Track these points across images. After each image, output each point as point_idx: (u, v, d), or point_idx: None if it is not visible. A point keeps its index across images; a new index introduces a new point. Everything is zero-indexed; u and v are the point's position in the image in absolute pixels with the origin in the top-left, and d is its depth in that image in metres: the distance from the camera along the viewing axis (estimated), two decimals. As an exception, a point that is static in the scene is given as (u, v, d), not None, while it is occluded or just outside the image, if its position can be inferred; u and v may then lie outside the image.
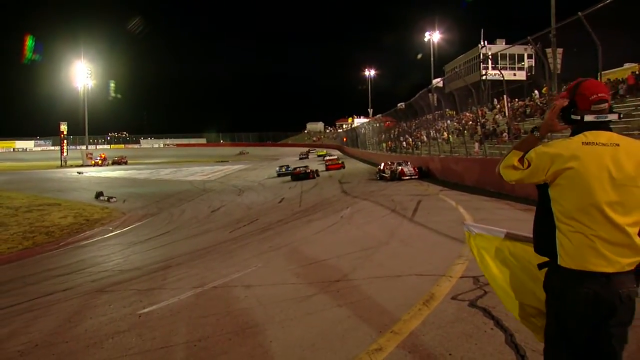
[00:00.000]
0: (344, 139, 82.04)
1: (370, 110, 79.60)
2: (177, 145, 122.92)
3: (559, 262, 2.20)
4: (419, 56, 60.33)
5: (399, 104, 38.80)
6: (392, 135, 41.52)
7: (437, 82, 33.26)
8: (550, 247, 2.23)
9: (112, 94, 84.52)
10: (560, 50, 20.69)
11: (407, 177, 23.07)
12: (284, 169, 38.28)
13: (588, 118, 2.24)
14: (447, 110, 29.33)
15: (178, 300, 5.88)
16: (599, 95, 2.23)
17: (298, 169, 33.57)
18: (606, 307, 2.11)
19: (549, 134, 2.37)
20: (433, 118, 27.89)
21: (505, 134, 20.80)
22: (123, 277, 8.71)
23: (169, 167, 60.87)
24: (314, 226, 11.73)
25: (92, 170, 55.51)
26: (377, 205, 14.44)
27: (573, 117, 2.28)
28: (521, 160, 2.31)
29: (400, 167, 23.83)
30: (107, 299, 6.57)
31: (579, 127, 2.26)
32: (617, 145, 2.16)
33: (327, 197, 20.02)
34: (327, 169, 38.70)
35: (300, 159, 62.68)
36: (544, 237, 2.26)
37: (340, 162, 41.51)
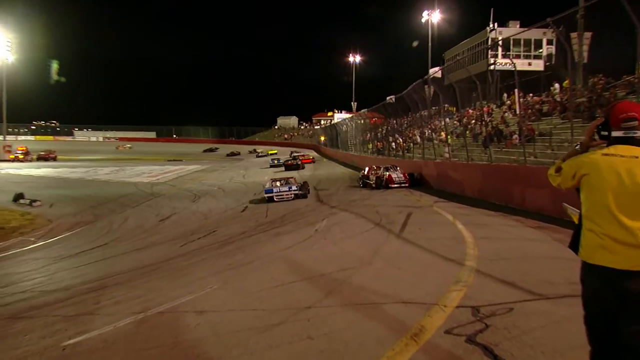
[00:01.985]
0: (322, 138, 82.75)
1: (354, 104, 79.84)
2: (120, 139, 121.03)
3: (578, 255, 2.97)
4: (415, 44, 61.14)
5: (388, 98, 39.15)
6: (379, 134, 41.91)
7: (435, 72, 33.36)
8: (575, 242, 3.01)
9: (54, 76, 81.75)
10: (587, 34, 20.35)
11: (395, 185, 23.39)
12: (275, 162, 51.57)
13: (616, 134, 2.96)
14: (446, 106, 29.74)
15: (114, 329, 5.80)
16: (629, 114, 2.93)
17: (290, 160, 43.68)
18: (615, 301, 2.75)
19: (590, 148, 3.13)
20: (429, 115, 28.15)
21: (515, 136, 20.62)
22: (46, 299, 8.60)
23: (109, 165, 60.22)
24: (282, 241, 11.82)
25: (10, 167, 54.14)
26: (358, 217, 14.65)
27: (602, 133, 3.03)
28: (558, 169, 3.15)
29: (387, 173, 24.14)
30: (23, 328, 6.42)
31: (609, 142, 2.99)
32: (636, 157, 2.84)
33: (299, 206, 20.18)
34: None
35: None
36: (575, 233, 3.02)
37: (310, 157, 49.82)
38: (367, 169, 27.05)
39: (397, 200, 18.63)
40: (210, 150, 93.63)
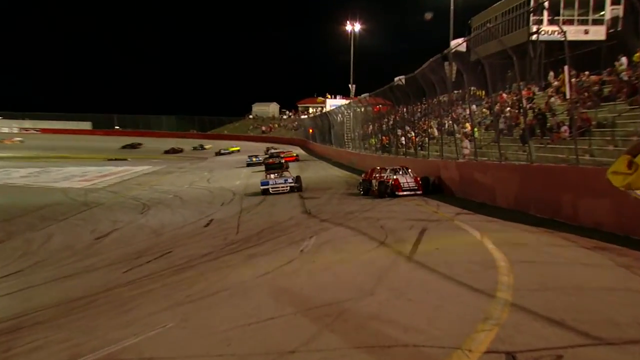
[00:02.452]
0: (310, 130, 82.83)
1: (352, 87, 79.99)
2: (43, 130, 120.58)
3: None
4: (429, 16, 61.16)
5: (396, 79, 39.01)
6: (384, 126, 42.06)
7: (459, 44, 32.98)
8: None
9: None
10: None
11: (404, 193, 23.61)
12: (254, 159, 56.53)
13: None
14: (473, 89, 29.71)
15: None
16: None
17: (271, 159, 42.91)
18: None
19: None
20: (449, 101, 28.33)
21: (565, 128, 20.38)
22: None
23: (27, 165, 60.08)
24: (259, 265, 11.96)
25: None
26: (357, 234, 14.83)
27: None
28: (629, 164, 3.05)
29: (394, 177, 24.33)
30: None
31: None
32: None
33: (281, 219, 20.46)
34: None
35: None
36: None
37: (294, 154, 54.05)
38: (369, 171, 27.12)
39: (408, 211, 18.76)
40: (132, 146, 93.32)
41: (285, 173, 32.95)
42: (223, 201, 29.44)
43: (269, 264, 11.91)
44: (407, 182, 23.95)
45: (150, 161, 66.78)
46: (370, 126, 47.16)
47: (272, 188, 30.57)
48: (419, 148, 32.24)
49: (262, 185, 31.06)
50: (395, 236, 13.73)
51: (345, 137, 53.99)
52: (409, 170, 25.41)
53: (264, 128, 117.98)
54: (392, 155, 35.34)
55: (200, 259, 14.29)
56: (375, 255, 11.66)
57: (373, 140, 43.53)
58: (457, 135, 26.82)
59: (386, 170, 25.73)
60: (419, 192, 23.67)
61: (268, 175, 32.90)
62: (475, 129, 25.51)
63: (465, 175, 22.42)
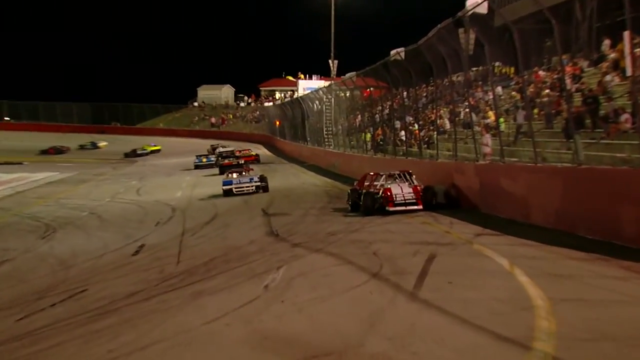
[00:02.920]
0: (277, 123, 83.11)
1: (334, 64, 78.58)
2: None
3: None
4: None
5: (393, 52, 38.56)
6: (378, 115, 41.96)
7: (477, 4, 32.70)
8: None
9: None
10: None
11: (396, 208, 23.45)
12: (204, 160, 60.30)
13: None
14: (498, 65, 29.70)
15: None
16: None
17: (227, 159, 49.20)
18: None
19: None
20: (466, 81, 27.98)
21: (626, 117, 20.03)
22: None
23: None
24: (207, 306, 12.12)
25: None
26: (341, 263, 15.12)
27: None
28: None
29: (389, 185, 24.12)
30: None
31: None
32: None
33: (238, 243, 20.76)
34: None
35: None
36: None
37: (253, 153, 58.33)
38: (361, 178, 27.02)
39: (411, 232, 18.97)
40: (59, 151, 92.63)
41: (251, 171, 38.52)
42: (159, 220, 29.47)
43: (221, 305, 12.04)
44: (403, 194, 23.66)
45: (56, 165, 66.35)
46: (359, 116, 47.15)
47: (235, 188, 35.16)
48: (425, 146, 32.25)
49: (224, 185, 35.69)
50: (394, 266, 13.83)
51: (325, 132, 54.08)
52: (412, 176, 25.11)
53: (213, 120, 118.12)
54: (389, 156, 35.32)
55: (127, 299, 14.23)
56: (367, 292, 11.77)
57: (367, 136, 43.19)
58: (477, 128, 26.32)
59: (382, 176, 25.36)
60: (417, 208, 23.43)
61: (230, 175, 37.88)
62: (501, 120, 25.19)
63: (487, 182, 22.47)
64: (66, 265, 21.57)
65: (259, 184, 35.32)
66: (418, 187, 24.17)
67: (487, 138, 24.73)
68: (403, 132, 35.92)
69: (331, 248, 17.33)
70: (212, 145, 74.98)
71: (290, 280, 13.60)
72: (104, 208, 35.79)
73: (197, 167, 58.01)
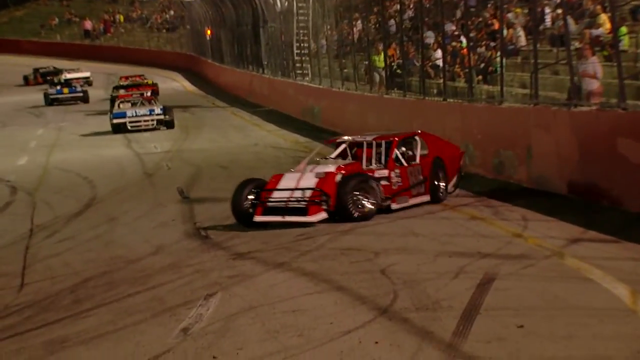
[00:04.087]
0: (208, 32, 66.70)
1: None
2: None
3: None
4: None
5: None
6: (393, 20, 32.10)
7: None
8: None
9: None
10: None
11: (267, 218, 17.87)
12: (66, 90, 54.37)
13: None
14: None
15: None
16: None
17: (126, 88, 44.97)
18: None
19: None
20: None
21: None
22: None
23: None
24: None
25: None
26: (322, 288, 11.62)
27: None
28: None
29: (371, 168, 18.78)
30: None
31: None
32: None
33: (134, 251, 16.20)
34: None
35: None
36: None
37: (150, 82, 49.39)
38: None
39: (449, 234, 15.35)
40: None
41: (151, 99, 36.05)
42: None
43: None
44: (379, 172, 18.14)
45: None
46: (359, 23, 35.62)
47: (130, 122, 33.07)
48: (480, 78, 25.73)
49: (114, 117, 34.36)
50: (418, 295, 10.49)
51: (297, 51, 43.08)
52: (417, 143, 19.29)
53: (88, 24, 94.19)
54: (413, 96, 28.10)
55: None
56: (369, 342, 8.47)
57: (377, 59, 32.33)
58: (575, 45, 20.68)
59: (362, 144, 19.73)
60: (423, 198, 18.34)
61: (122, 105, 35.73)
62: (623, 30, 19.78)
63: (594, 146, 17.66)
64: None
65: (161, 117, 33.00)
66: (426, 162, 18.61)
67: (595, 64, 18.94)
68: (439, 52, 28.30)
69: (304, 261, 13.36)
70: (36, 69, 69.33)
71: (228, 320, 10.07)
72: None
73: (52, 102, 52.45)
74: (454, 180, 18.98)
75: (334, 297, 10.86)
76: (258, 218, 17.27)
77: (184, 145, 34.12)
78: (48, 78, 60.18)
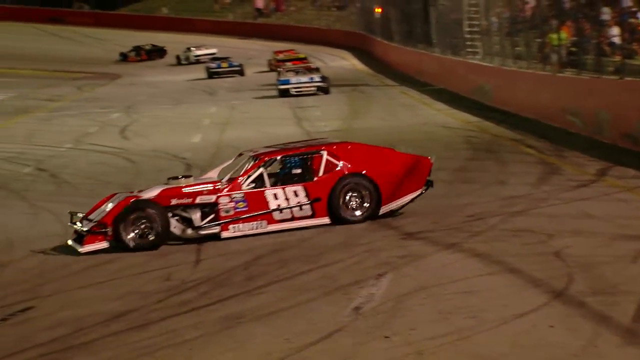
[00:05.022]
0: (377, 10, 64.52)
1: None
2: None
3: None
4: None
5: None
6: None
7: None
8: None
9: None
10: None
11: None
12: (224, 64, 60.09)
13: None
14: None
15: None
16: None
17: (282, 58, 55.41)
18: None
19: None
20: None
21: None
22: None
23: None
24: (247, 345, 9.20)
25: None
26: (494, 270, 11.50)
27: None
28: None
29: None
30: None
31: None
32: None
33: (306, 231, 15.89)
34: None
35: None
36: None
37: (302, 56, 55.74)
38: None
39: (627, 217, 14.79)
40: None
41: (312, 68, 43.21)
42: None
43: (274, 342, 8.97)
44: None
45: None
46: (532, 0, 33.01)
47: (294, 88, 39.04)
48: None
49: (280, 84, 40.10)
50: (594, 278, 10.39)
51: (468, 29, 41.27)
52: (321, 158, 17.41)
53: (260, 3, 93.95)
54: (587, 75, 26.18)
55: (105, 325, 10.41)
56: (543, 325, 8.40)
57: (555, 37, 30.47)
58: None
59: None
60: (268, 228, 16.61)
61: (287, 72, 42.05)
62: None
63: None
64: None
65: (320, 84, 38.61)
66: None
67: None
68: (615, 29, 27.15)
69: (475, 242, 13.25)
70: (140, 47, 73.26)
71: (400, 299, 10.08)
72: (62, 161, 29.18)
73: (212, 75, 55.37)
74: (405, 198, 16.74)
75: (507, 279, 10.86)
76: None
77: (353, 124, 33.86)
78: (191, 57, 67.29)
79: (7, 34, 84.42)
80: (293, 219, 16.49)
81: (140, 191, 17.39)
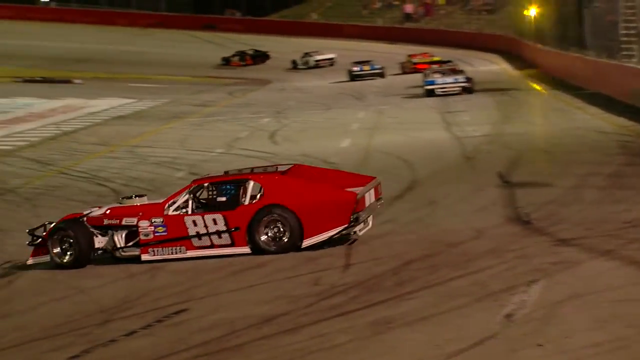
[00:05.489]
0: (527, 13, 62.93)
1: None
2: None
3: None
4: None
5: None
6: None
7: None
8: None
9: None
10: None
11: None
12: (366, 67, 61.25)
13: None
14: None
15: None
16: None
17: (417, 60, 57.89)
18: None
19: None
20: None
21: None
22: None
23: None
24: (397, 350, 9.26)
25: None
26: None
27: None
28: None
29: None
30: None
31: None
32: None
33: (453, 235, 15.82)
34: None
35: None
36: None
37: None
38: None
39: None
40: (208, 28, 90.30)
41: (457, 69, 44.79)
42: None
43: (423, 348, 9.00)
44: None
45: (128, 86, 60.83)
46: None
47: (439, 88, 40.45)
48: None
49: (426, 84, 41.77)
50: None
51: (625, 31, 40.30)
52: (247, 187, 17.29)
53: (409, 8, 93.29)
54: None
55: (257, 328, 10.67)
56: None
57: None
58: None
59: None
60: (187, 253, 16.90)
61: (433, 74, 43.68)
62: None
63: None
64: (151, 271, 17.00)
65: (465, 84, 40.09)
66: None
67: None
68: None
69: (632, 250, 12.89)
70: (244, 52, 74.82)
71: (553, 307, 9.86)
72: (214, 165, 28.78)
73: (354, 77, 56.38)
74: (334, 231, 15.87)
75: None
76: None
77: (503, 129, 33.36)
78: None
79: (161, 41, 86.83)
80: (213, 246, 16.53)
81: (93, 207, 18.35)
